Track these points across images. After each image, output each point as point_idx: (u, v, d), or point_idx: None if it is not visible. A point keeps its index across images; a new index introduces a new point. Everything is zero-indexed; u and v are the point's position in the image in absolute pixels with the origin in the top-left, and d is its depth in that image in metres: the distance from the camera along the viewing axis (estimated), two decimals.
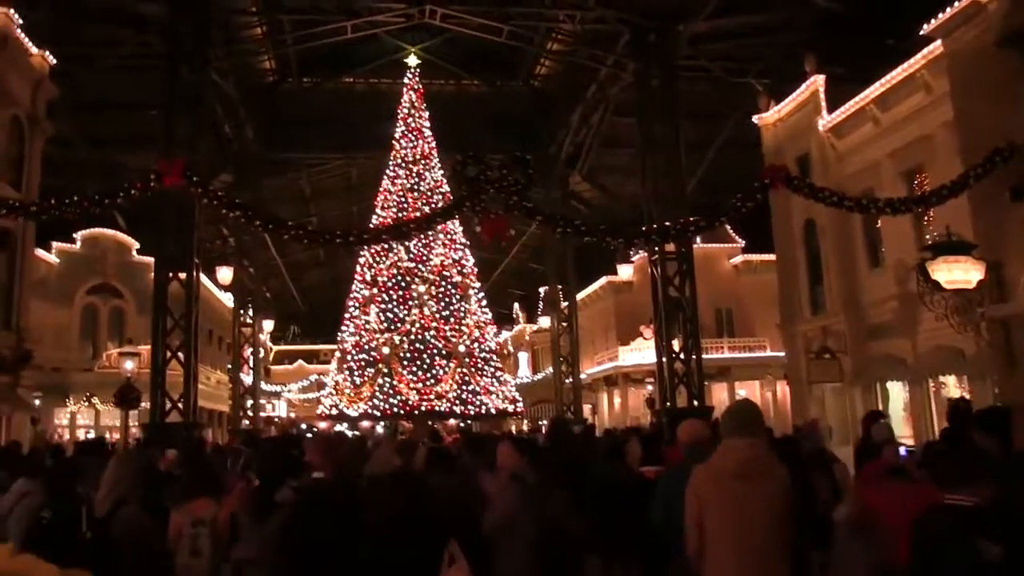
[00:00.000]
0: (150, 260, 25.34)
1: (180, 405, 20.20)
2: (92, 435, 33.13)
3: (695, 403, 21.54)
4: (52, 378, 32.59)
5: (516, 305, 59.63)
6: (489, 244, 11.90)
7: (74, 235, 34.82)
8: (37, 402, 30.67)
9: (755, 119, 25.50)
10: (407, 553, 4.38)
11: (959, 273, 13.23)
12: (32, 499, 6.61)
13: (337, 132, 32.49)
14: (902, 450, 7.27)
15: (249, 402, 31.34)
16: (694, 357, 21.80)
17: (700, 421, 7.13)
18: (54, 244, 34.12)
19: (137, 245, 35.23)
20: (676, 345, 21.90)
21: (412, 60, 31.20)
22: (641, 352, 38.28)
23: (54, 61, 20.67)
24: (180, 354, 20.64)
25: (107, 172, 30.76)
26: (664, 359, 21.81)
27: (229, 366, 33.97)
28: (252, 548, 5.74)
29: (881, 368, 20.79)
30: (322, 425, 29.50)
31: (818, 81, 22.68)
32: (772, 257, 38.92)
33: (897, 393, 20.96)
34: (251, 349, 32.75)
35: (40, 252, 32.93)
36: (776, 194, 22.86)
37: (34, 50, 19.90)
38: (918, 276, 13.79)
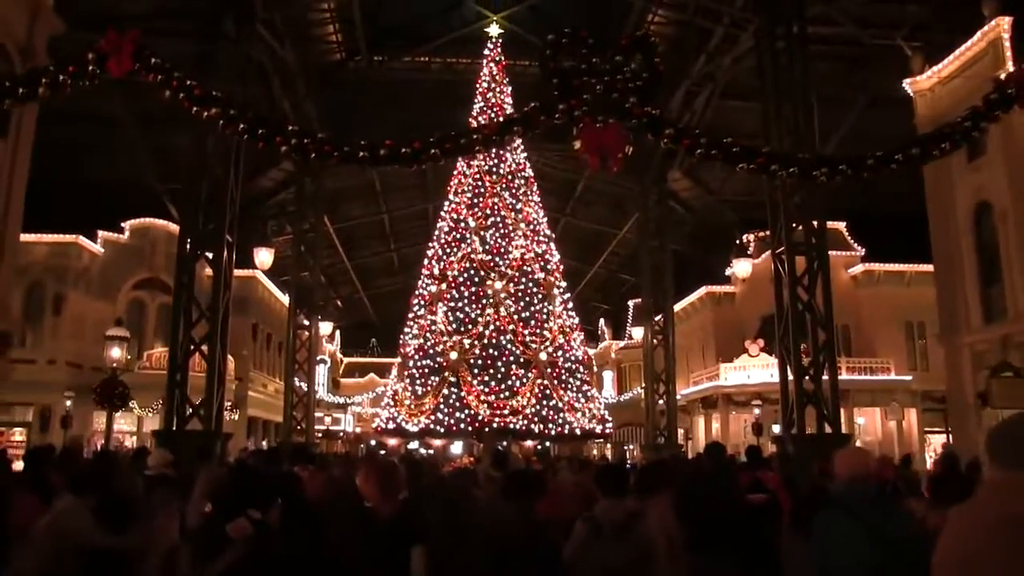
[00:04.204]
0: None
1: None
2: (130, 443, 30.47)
3: (827, 428, 17.44)
4: (90, 378, 29.76)
5: (602, 321, 55.50)
6: (596, 169, 7.80)
7: (122, 224, 32.16)
8: (69, 403, 27.98)
9: (906, 84, 21.21)
10: None
11: None
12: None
13: (412, 117, 29.26)
14: None
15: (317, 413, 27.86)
16: (825, 375, 17.74)
17: (863, 450, 5.89)
18: (100, 233, 31.61)
19: None
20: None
21: (494, 30, 27.76)
22: (746, 371, 33.97)
23: None
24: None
25: (158, 154, 27.90)
26: (790, 375, 17.78)
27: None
28: None
29: None
30: (391, 443, 25.98)
31: (1002, 25, 18.15)
32: (898, 267, 34.94)
33: None
34: (308, 354, 29.54)
35: (83, 241, 30.57)
36: (935, 167, 18.69)
37: None
38: None
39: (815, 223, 18.46)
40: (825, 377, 17.77)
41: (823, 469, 11.36)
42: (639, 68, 7.68)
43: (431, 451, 26.05)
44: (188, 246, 17.74)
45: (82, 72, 7.56)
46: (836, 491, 5.48)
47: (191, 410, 17.08)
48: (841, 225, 35.97)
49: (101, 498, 6.50)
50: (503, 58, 27.66)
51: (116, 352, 17.86)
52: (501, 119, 25.42)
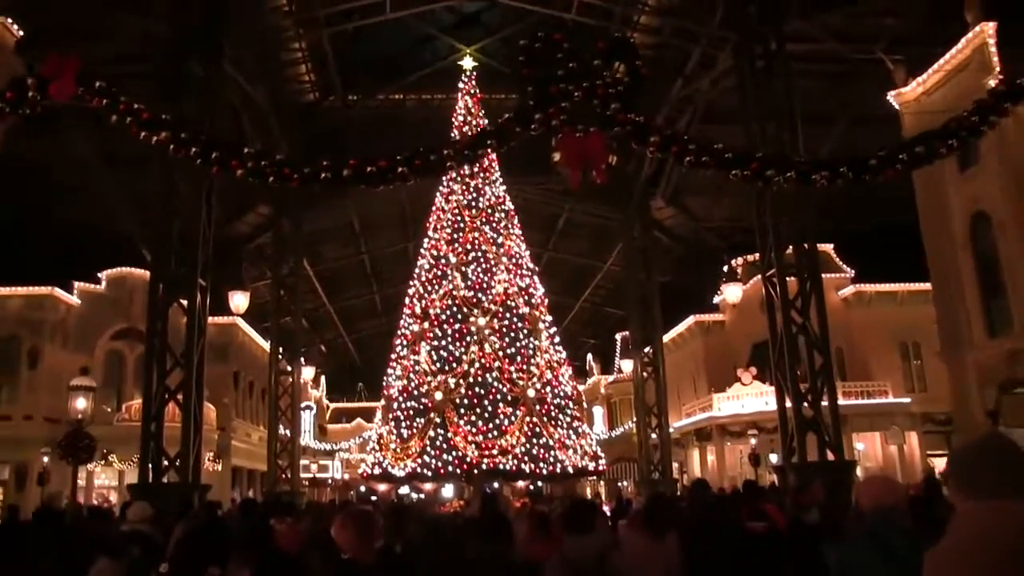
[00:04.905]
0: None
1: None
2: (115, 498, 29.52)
3: (829, 455, 16.85)
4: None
5: (589, 356, 54.69)
6: (577, 185, 7.14)
7: (98, 274, 31.44)
8: (46, 459, 27.01)
9: (890, 96, 20.78)
10: None
11: None
12: None
13: (387, 156, 28.73)
14: None
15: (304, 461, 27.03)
16: (824, 400, 17.18)
17: (890, 479, 5.63)
18: (76, 284, 30.87)
19: None
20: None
21: (467, 63, 27.34)
22: (740, 400, 33.25)
23: (21, 33, 16.83)
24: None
25: (135, 200, 27.19)
26: (788, 401, 17.21)
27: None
28: None
29: None
30: (381, 488, 25.19)
31: (986, 31, 17.74)
32: (890, 287, 34.40)
33: None
34: (291, 400, 28.78)
35: (59, 292, 29.87)
36: (925, 179, 18.18)
37: None
38: None
39: (805, 244, 18.02)
40: (824, 402, 17.22)
41: (798, 500, 10.76)
42: (620, 72, 7.11)
43: (422, 495, 25.30)
44: (160, 291, 17.11)
45: (21, 99, 6.94)
46: (867, 521, 5.14)
47: (167, 462, 16.34)
48: (829, 247, 35.57)
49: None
50: (478, 91, 27.18)
51: (81, 403, 17.05)
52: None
